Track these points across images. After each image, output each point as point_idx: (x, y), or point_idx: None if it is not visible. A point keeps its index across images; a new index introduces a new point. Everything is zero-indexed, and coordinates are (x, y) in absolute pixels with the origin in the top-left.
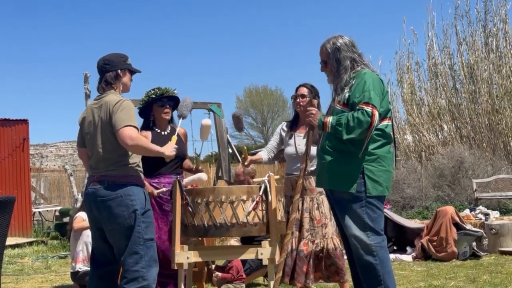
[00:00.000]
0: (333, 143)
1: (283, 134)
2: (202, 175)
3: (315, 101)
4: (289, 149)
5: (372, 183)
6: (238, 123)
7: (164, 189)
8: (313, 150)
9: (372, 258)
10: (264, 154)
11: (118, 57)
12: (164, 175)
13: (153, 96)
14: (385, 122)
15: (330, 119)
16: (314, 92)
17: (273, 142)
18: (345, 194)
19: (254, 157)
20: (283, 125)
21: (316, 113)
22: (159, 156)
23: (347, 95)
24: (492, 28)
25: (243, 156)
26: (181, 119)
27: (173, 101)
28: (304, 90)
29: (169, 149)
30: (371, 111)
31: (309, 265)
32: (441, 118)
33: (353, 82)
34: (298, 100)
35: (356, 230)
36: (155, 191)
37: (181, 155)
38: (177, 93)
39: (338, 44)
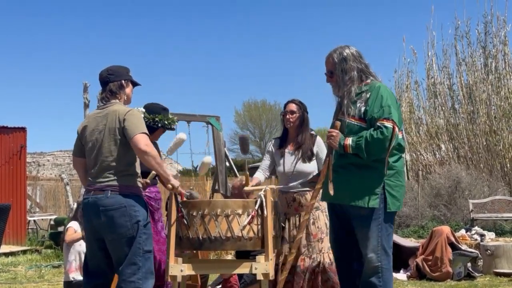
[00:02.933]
0: (353, 158)
1: (274, 151)
2: (181, 134)
3: (338, 123)
4: (280, 168)
5: (391, 198)
6: (244, 145)
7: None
8: (304, 166)
9: (376, 280)
10: (260, 175)
11: (121, 68)
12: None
13: (159, 125)
14: (400, 135)
15: (350, 142)
16: (303, 108)
17: (266, 160)
18: (364, 210)
19: (253, 183)
20: (273, 142)
21: (336, 135)
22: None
23: (363, 109)
24: (491, 50)
25: (244, 182)
26: (188, 194)
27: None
28: (293, 106)
29: (175, 181)
30: (391, 126)
31: (305, 280)
32: (439, 137)
33: (368, 96)
34: (288, 116)
35: (369, 250)
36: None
37: None
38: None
39: (345, 54)
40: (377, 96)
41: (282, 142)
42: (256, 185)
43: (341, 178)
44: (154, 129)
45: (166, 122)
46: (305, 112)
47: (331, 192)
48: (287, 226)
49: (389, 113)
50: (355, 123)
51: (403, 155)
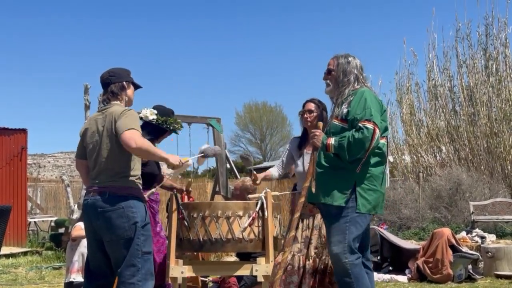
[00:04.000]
0: (329, 158)
1: (293, 150)
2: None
3: (320, 124)
4: (299, 168)
5: (362, 200)
6: (247, 163)
7: (153, 189)
8: None
9: (347, 277)
10: (274, 171)
11: (122, 70)
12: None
13: (171, 128)
14: (382, 141)
15: (332, 141)
16: (321, 107)
17: (283, 158)
18: (334, 208)
19: (264, 174)
20: (293, 141)
21: (319, 135)
22: (155, 171)
23: (345, 110)
24: (492, 52)
25: (253, 178)
26: (201, 154)
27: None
28: (312, 106)
29: (174, 158)
30: (372, 128)
31: (316, 281)
32: (440, 139)
33: (352, 99)
34: (305, 115)
35: (335, 247)
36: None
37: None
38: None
39: (350, 59)
40: (360, 99)
41: (301, 142)
42: (266, 178)
43: (316, 177)
44: (164, 132)
45: (176, 126)
46: (324, 111)
47: (313, 189)
48: (300, 227)
49: (370, 115)
50: (338, 123)
51: (386, 163)
